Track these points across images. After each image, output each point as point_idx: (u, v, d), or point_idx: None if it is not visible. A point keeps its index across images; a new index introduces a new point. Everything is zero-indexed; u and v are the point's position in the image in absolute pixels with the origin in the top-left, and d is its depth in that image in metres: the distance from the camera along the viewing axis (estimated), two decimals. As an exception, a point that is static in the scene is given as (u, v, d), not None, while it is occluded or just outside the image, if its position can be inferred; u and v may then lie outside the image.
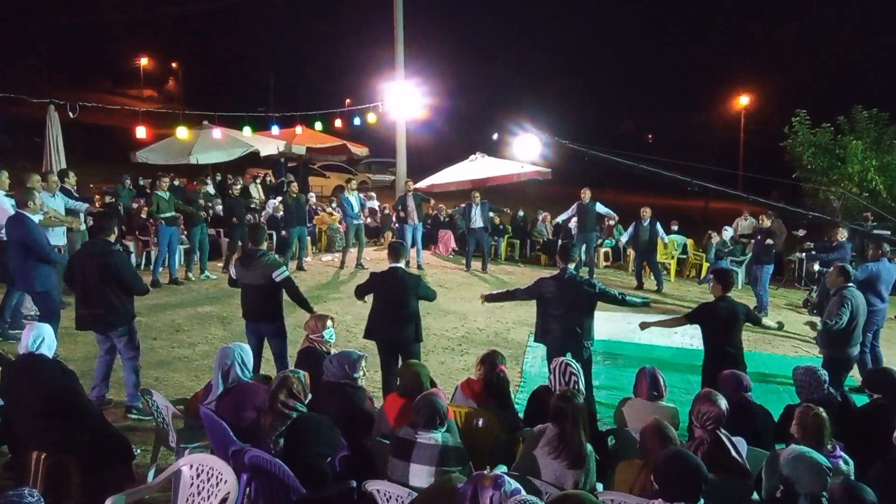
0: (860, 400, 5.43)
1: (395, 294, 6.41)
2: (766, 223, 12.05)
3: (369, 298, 6.65)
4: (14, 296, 7.94)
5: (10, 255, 7.12)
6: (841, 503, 3.15)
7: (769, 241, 11.65)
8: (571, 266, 6.45)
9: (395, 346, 6.42)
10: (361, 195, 15.51)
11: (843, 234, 11.01)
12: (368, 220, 18.10)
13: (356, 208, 13.79)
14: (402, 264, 6.62)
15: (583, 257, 13.85)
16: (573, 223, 14.74)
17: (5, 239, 7.45)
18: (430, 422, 3.92)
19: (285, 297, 6.61)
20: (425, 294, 6.63)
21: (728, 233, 14.79)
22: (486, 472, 3.29)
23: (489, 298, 6.97)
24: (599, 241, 15.84)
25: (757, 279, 11.68)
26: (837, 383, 6.39)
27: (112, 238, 6.21)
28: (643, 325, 6.67)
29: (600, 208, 14.13)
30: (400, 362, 6.32)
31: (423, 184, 16.40)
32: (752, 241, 13.08)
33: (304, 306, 6.61)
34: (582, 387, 4.79)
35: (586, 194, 13.81)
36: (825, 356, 7.01)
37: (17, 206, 7.27)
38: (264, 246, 6.67)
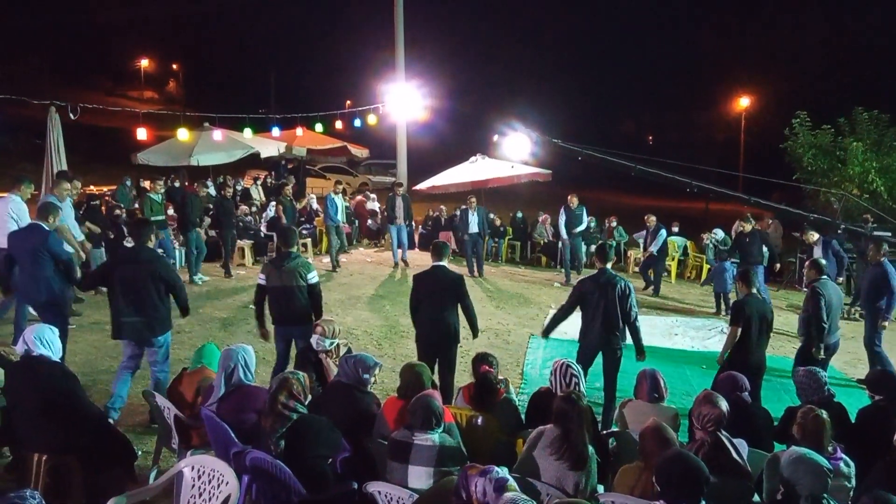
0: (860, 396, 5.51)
1: (436, 292, 6.47)
2: (747, 228, 11.74)
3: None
4: (10, 306, 7.79)
5: (21, 266, 6.73)
6: None
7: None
8: (609, 265, 6.52)
9: (434, 348, 6.44)
10: (346, 202, 15.73)
11: (813, 236, 11.03)
12: (369, 222, 18.14)
13: (339, 211, 13.97)
14: (445, 262, 6.63)
15: (568, 261, 14.06)
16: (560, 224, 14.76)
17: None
18: (426, 423, 3.92)
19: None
20: (465, 302, 6.54)
21: (719, 234, 14.83)
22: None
23: (546, 333, 6.95)
24: (600, 242, 15.85)
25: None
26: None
27: (151, 245, 6.24)
28: (720, 361, 6.55)
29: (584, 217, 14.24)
30: (437, 365, 6.42)
31: (423, 185, 16.40)
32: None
33: (317, 312, 6.47)
34: (583, 389, 4.80)
35: (574, 199, 13.91)
36: (803, 344, 7.22)
37: (38, 217, 6.97)
38: (296, 249, 6.65)
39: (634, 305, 6.51)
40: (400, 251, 14.27)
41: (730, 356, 6.43)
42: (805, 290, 7.72)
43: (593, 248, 15.03)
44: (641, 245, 14.80)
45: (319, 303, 6.52)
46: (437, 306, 6.47)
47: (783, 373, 7.74)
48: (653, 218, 13.58)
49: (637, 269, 15.38)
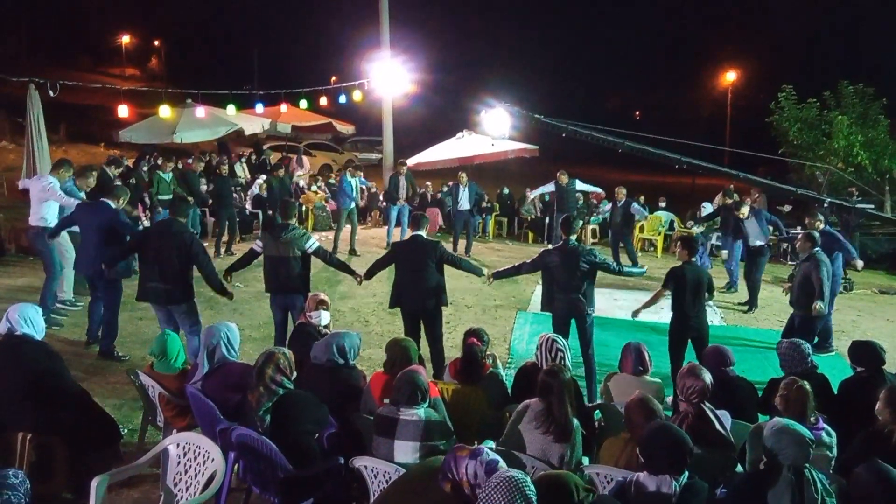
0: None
1: (416, 261, 6.61)
2: (728, 201, 11.78)
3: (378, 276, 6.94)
4: (56, 282, 7.96)
5: (86, 241, 7.16)
6: (868, 487, 3.18)
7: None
8: (573, 237, 6.69)
9: (417, 315, 6.66)
10: (363, 178, 15.29)
11: (745, 210, 10.57)
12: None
13: (355, 192, 13.36)
14: (423, 233, 6.80)
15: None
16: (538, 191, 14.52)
17: (41, 226, 7.79)
18: (411, 399, 3.93)
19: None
20: (450, 260, 6.79)
21: (707, 208, 14.82)
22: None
23: (497, 276, 7.13)
24: (586, 218, 15.81)
25: (729, 254, 11.78)
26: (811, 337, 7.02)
27: (185, 220, 6.65)
28: (635, 314, 7.01)
29: (581, 185, 13.87)
30: (423, 330, 6.64)
31: (410, 162, 16.28)
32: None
33: (344, 269, 7.06)
34: (569, 362, 4.82)
35: (563, 177, 13.56)
36: (803, 317, 7.33)
37: (109, 196, 7.33)
38: (294, 220, 6.84)
39: (609, 260, 6.92)
40: (398, 231, 13.70)
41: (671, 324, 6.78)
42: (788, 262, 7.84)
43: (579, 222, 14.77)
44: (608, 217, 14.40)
45: (333, 260, 7.14)
46: (417, 274, 6.59)
47: (769, 345, 7.84)
48: (622, 191, 13.13)
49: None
